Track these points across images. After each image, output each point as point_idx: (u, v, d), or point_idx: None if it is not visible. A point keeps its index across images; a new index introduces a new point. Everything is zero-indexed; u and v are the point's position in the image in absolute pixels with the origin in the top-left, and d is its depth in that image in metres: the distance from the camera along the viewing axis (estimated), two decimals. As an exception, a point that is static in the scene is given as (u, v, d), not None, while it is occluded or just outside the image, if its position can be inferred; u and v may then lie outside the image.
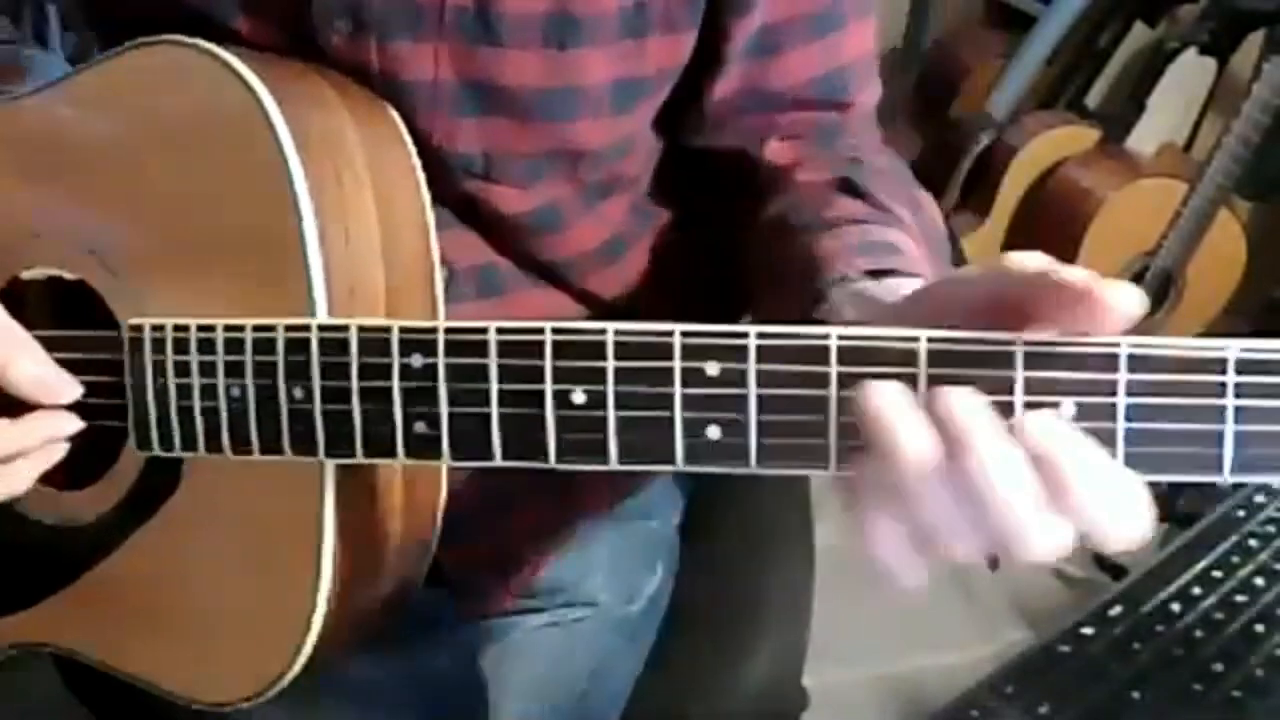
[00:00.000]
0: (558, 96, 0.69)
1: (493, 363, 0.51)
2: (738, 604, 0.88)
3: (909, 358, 0.45)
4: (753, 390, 0.47)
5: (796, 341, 0.46)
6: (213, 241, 0.63)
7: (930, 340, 0.45)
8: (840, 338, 0.46)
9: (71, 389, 0.64)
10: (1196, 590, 0.74)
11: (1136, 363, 0.43)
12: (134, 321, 0.62)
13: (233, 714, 0.67)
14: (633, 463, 0.49)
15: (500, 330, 0.51)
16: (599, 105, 0.70)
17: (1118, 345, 0.43)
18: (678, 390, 0.48)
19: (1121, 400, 0.43)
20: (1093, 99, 2.25)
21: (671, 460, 0.49)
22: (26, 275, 0.70)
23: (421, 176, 0.67)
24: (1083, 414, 0.44)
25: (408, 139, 0.67)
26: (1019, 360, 0.44)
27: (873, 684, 1.57)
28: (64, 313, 0.68)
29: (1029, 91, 2.25)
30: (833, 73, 0.74)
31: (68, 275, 0.68)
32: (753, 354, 0.47)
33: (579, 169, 0.73)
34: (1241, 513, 0.80)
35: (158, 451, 0.62)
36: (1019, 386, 0.44)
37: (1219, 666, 0.68)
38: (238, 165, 0.62)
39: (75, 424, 0.64)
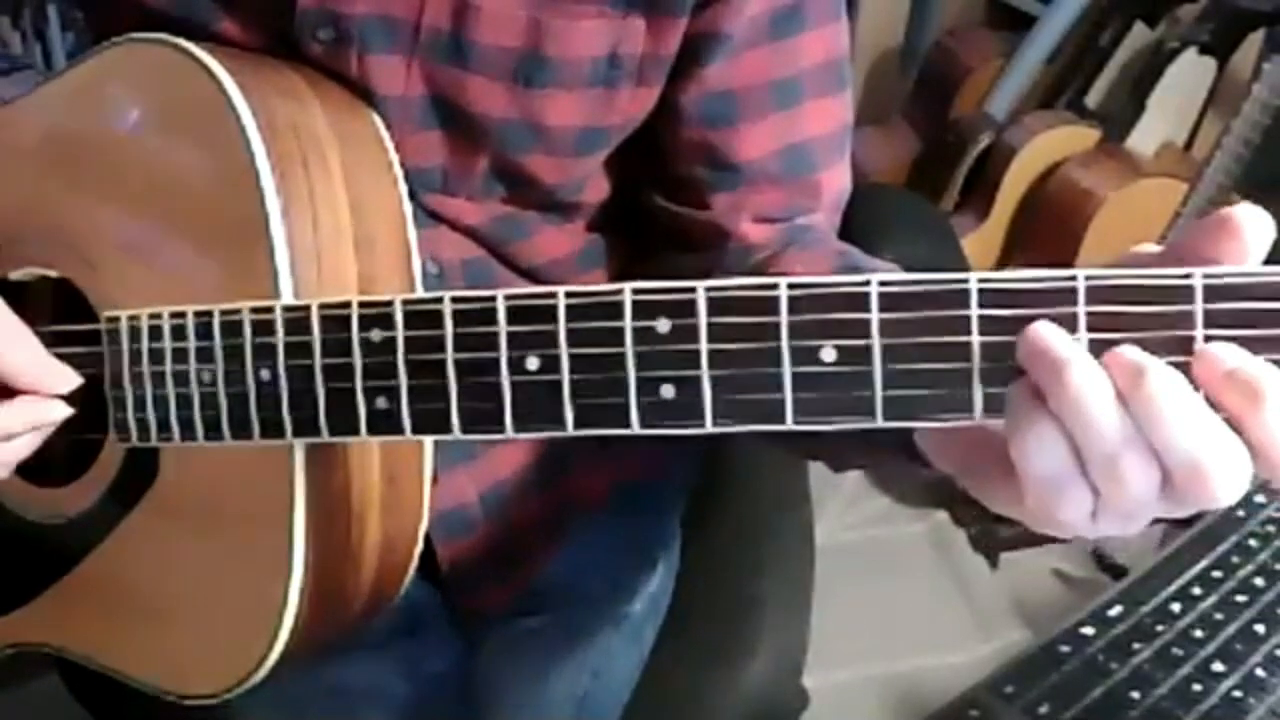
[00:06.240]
0: (516, 129, 0.70)
1: (448, 333, 0.51)
2: (737, 603, 0.88)
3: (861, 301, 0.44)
4: (704, 345, 0.46)
5: (746, 293, 0.46)
6: (185, 230, 0.63)
7: (881, 282, 0.44)
8: (790, 286, 0.45)
9: (66, 379, 0.64)
10: (1196, 590, 0.74)
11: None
12: (110, 313, 0.63)
13: (228, 714, 0.67)
14: (589, 427, 0.49)
15: (455, 299, 0.51)
16: (558, 145, 0.71)
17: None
18: (629, 349, 0.47)
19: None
20: (1093, 99, 2.24)
21: (627, 422, 0.48)
22: (15, 276, 0.70)
23: (399, 172, 0.67)
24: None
25: (385, 137, 0.68)
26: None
27: (873, 684, 1.57)
28: (60, 312, 0.68)
29: (1029, 91, 2.25)
30: (794, 147, 0.73)
31: (52, 273, 0.68)
32: (702, 307, 0.46)
33: (532, 194, 0.74)
34: (1241, 513, 0.80)
35: (136, 442, 0.63)
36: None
37: (1219, 666, 0.69)
38: (205, 151, 0.62)
39: (63, 410, 0.64)
